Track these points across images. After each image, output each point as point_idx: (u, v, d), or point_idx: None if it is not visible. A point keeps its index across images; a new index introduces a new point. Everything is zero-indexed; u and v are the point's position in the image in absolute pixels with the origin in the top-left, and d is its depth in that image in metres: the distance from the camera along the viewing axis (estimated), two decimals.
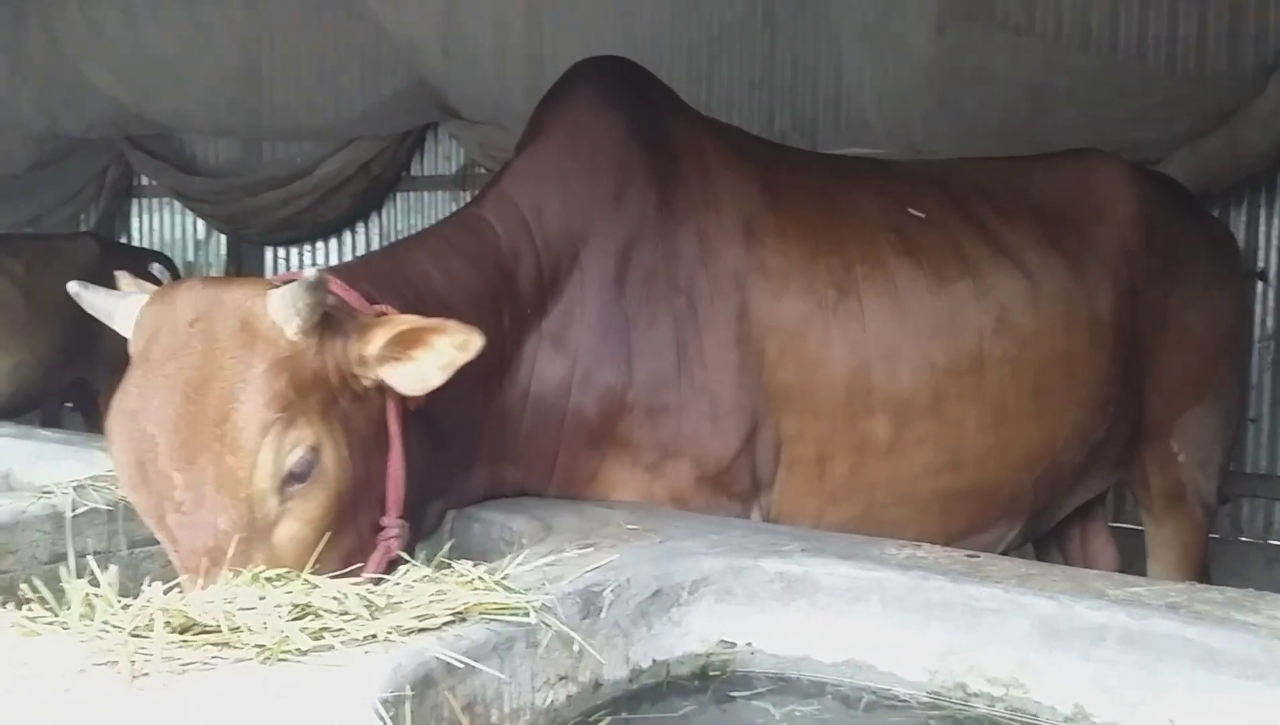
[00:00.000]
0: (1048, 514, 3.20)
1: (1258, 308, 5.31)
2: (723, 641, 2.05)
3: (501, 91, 6.27)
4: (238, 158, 7.95)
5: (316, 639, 1.51)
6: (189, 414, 1.83)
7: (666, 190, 2.69)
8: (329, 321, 1.97)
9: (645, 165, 2.70)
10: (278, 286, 1.94)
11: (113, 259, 5.79)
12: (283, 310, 1.90)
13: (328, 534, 1.92)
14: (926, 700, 1.95)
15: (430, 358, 2.00)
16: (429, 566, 1.82)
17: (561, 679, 1.81)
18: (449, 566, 1.84)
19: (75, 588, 1.59)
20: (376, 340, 1.99)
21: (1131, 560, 3.59)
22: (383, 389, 2.05)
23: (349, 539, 1.99)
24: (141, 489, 1.87)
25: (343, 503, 1.96)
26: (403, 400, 2.10)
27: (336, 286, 2.08)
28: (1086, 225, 3.13)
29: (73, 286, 2.08)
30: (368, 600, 1.62)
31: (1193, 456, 3.36)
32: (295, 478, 1.88)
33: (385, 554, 2.04)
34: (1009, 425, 2.87)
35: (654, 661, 1.98)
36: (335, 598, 1.60)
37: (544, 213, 2.61)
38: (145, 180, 8.44)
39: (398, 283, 2.23)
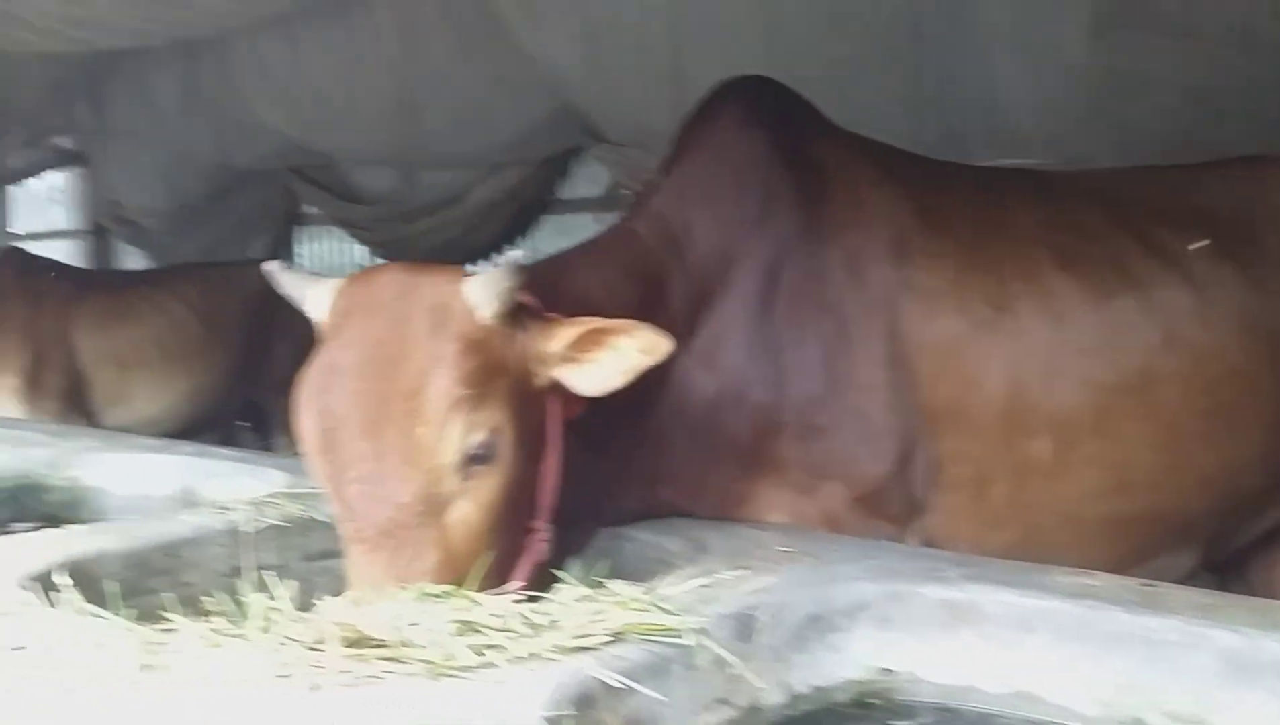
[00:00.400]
0: (1227, 541, 3.02)
1: None
2: (883, 669, 2.01)
3: (645, 113, 6.32)
4: (394, 186, 8.23)
5: (480, 655, 1.54)
6: (380, 387, 1.90)
7: (814, 209, 2.67)
8: (515, 315, 2.04)
9: (791, 184, 2.68)
10: (473, 274, 2.02)
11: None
12: (479, 294, 1.97)
13: (492, 526, 1.96)
14: None
15: (613, 359, 2.05)
16: (584, 585, 1.84)
17: (719, 702, 1.80)
18: (603, 586, 1.86)
19: (255, 601, 1.67)
20: (561, 339, 2.05)
21: None
22: (546, 393, 2.10)
23: (506, 536, 2.02)
24: (326, 458, 1.92)
25: (511, 494, 2.00)
26: (564, 407, 2.14)
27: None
28: (1262, 235, 2.96)
29: (268, 266, 2.18)
30: (528, 618, 1.65)
31: None
32: (477, 459, 1.93)
33: (534, 557, 2.08)
34: (1182, 446, 2.73)
35: (812, 688, 1.95)
36: (497, 615, 1.63)
37: (693, 231, 2.62)
38: (309, 209, 8.82)
39: (560, 292, 2.26)
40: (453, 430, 1.89)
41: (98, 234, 9.92)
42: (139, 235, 9.28)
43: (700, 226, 2.62)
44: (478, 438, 1.92)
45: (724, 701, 1.80)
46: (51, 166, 9.86)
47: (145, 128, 8.39)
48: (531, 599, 1.78)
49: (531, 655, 1.56)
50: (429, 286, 2.00)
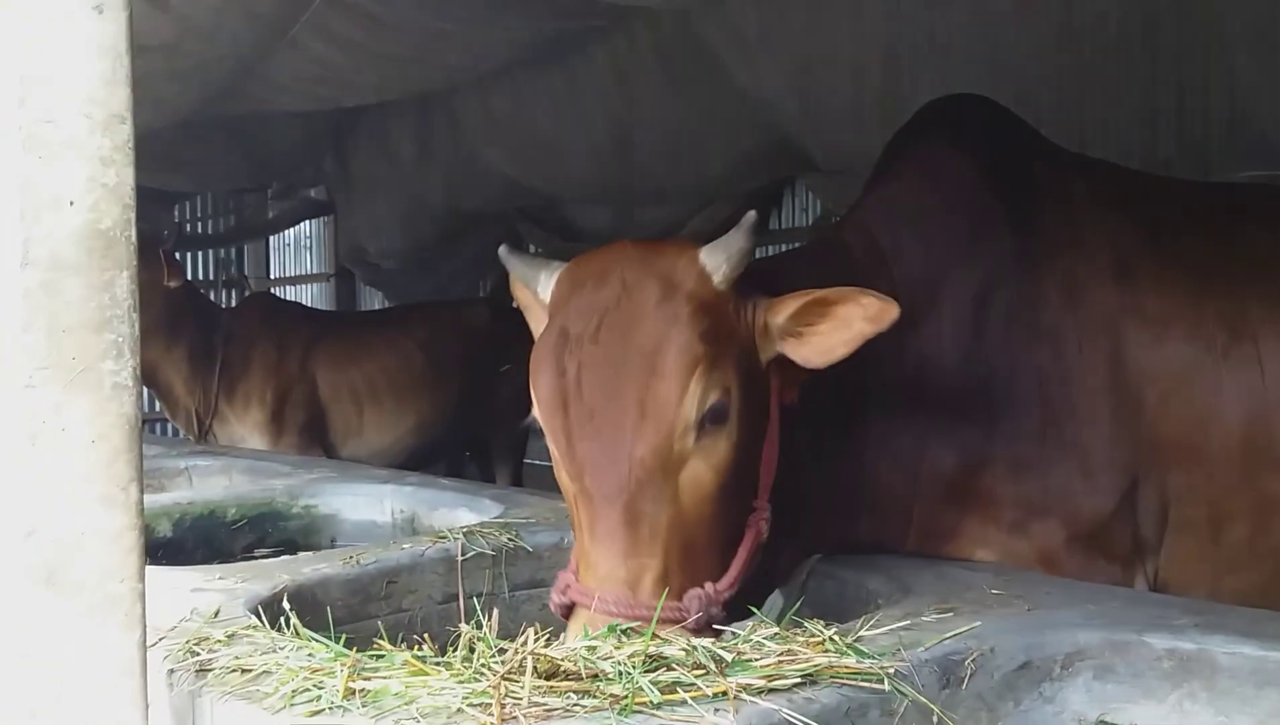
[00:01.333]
0: None
1: None
2: (1102, 722, 1.88)
3: (858, 138, 6.22)
4: (611, 222, 8.43)
5: (668, 692, 1.54)
6: (617, 347, 1.93)
7: (1027, 231, 2.55)
8: (743, 287, 2.05)
9: (1004, 206, 2.57)
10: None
11: (502, 323, 6.37)
12: (714, 258, 2.00)
13: (721, 492, 1.95)
14: None
15: (838, 329, 2.03)
16: (779, 624, 1.82)
17: None
18: (800, 625, 1.82)
19: (464, 631, 1.72)
20: (785, 310, 2.05)
21: None
22: (769, 369, 2.10)
23: (732, 509, 2.01)
24: (561, 417, 1.95)
25: (738, 464, 1.99)
26: (782, 393, 2.14)
27: None
28: None
29: (502, 250, 2.25)
30: (719, 656, 1.64)
31: None
32: (713, 419, 1.93)
33: (756, 537, 2.05)
34: None
35: None
36: (686, 650, 1.63)
37: (902, 251, 2.55)
38: (534, 247, 9.15)
39: (773, 288, 2.19)
40: (696, 386, 1.91)
41: (343, 277, 10.64)
42: (379, 277, 9.89)
43: (909, 246, 2.55)
44: (714, 396, 1.93)
45: None
46: (304, 216, 10.67)
47: (384, 177, 8.95)
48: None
49: (720, 694, 1.55)
50: (660, 255, 2.03)
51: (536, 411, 2.03)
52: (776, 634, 1.75)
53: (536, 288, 2.16)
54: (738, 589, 1.95)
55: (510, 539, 2.66)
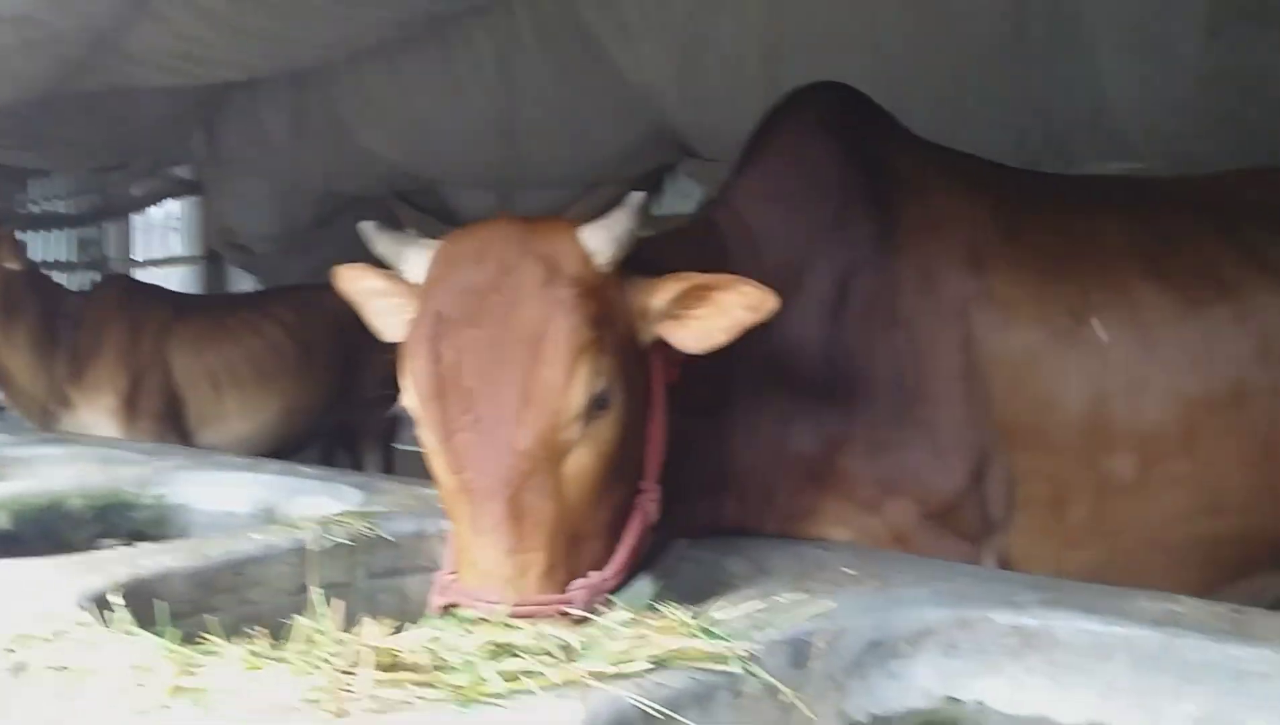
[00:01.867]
0: None
1: None
2: (949, 698, 1.91)
3: (737, 126, 6.23)
4: (493, 207, 8.33)
5: (513, 681, 1.51)
6: (497, 331, 1.86)
7: (887, 218, 2.59)
8: (624, 266, 2.02)
9: (865, 192, 2.61)
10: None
11: None
12: (597, 239, 1.96)
13: (607, 478, 1.92)
14: None
15: (717, 315, 2.02)
16: (634, 608, 1.80)
17: None
18: (655, 609, 1.81)
19: (298, 624, 1.66)
20: (666, 293, 2.02)
21: None
22: (650, 352, 2.08)
23: (618, 494, 1.98)
24: (437, 405, 1.87)
25: (622, 449, 1.96)
26: (662, 375, 2.12)
27: None
28: None
29: (366, 226, 2.16)
30: (567, 643, 1.61)
31: None
32: (598, 405, 1.89)
33: (644, 520, 2.03)
34: (1277, 463, 2.55)
35: (872, 716, 1.87)
36: (534, 639, 1.60)
37: (768, 231, 2.56)
38: (412, 231, 8.96)
39: (644, 269, 2.17)
40: (584, 371, 1.86)
41: (212, 260, 10.29)
42: (250, 261, 9.59)
43: (775, 229, 2.57)
44: (601, 382, 1.89)
45: None
46: (169, 196, 10.27)
47: (256, 157, 8.67)
48: (579, 621, 1.74)
49: (567, 682, 1.52)
50: (540, 236, 1.97)
51: (410, 400, 1.95)
52: (629, 620, 1.74)
53: (403, 267, 2.08)
54: (627, 574, 1.93)
55: (368, 527, 2.59)
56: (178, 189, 10.07)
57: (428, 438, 1.93)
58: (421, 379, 1.90)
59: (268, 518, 3.24)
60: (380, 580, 2.56)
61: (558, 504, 1.85)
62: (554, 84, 7.46)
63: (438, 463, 1.93)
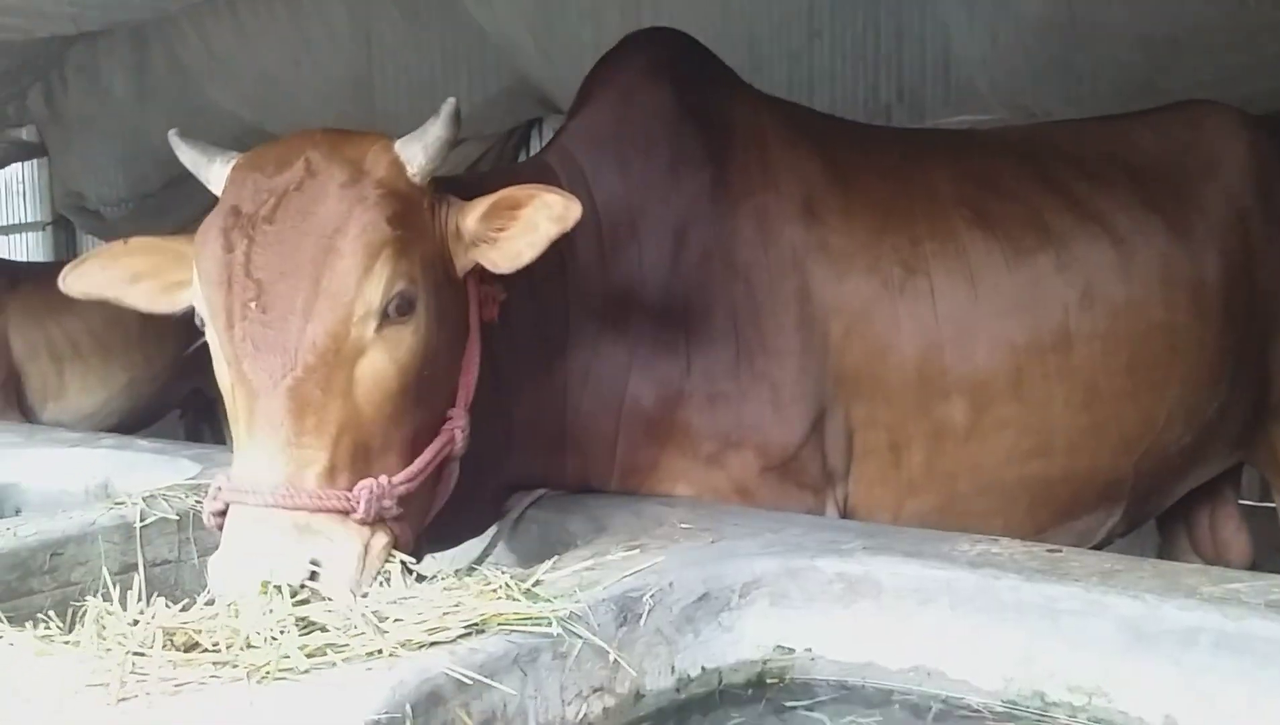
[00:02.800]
0: (1156, 498, 2.94)
1: None
2: (780, 647, 1.93)
3: None
4: None
5: (317, 656, 1.46)
6: (292, 227, 1.79)
7: (722, 169, 2.57)
8: (438, 190, 1.97)
9: (700, 141, 2.58)
10: None
11: None
12: (409, 148, 1.91)
13: (405, 390, 1.85)
14: (1001, 710, 1.79)
15: (524, 231, 1.96)
16: (454, 573, 1.76)
17: (596, 690, 1.72)
18: (477, 573, 1.78)
19: (92, 605, 1.58)
20: (475, 211, 1.97)
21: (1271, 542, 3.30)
22: (467, 281, 2.04)
23: (419, 411, 1.91)
24: (223, 293, 1.79)
25: (426, 366, 1.90)
26: (482, 310, 2.08)
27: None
28: (1192, 184, 2.86)
29: (172, 135, 2.08)
30: (378, 613, 1.56)
31: None
32: (398, 310, 1.83)
33: (448, 442, 1.96)
34: (1102, 405, 2.64)
35: (703, 669, 1.88)
36: (342, 612, 1.54)
37: (602, 175, 2.52)
38: None
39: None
40: (380, 268, 1.79)
41: (61, 225, 9.79)
42: (101, 225, 9.15)
43: (608, 172, 2.53)
44: (400, 284, 1.82)
45: (602, 689, 1.73)
46: (11, 159, 9.72)
47: (98, 115, 8.26)
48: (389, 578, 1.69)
49: (374, 654, 1.47)
50: (351, 142, 1.91)
51: (196, 292, 1.86)
52: (448, 586, 1.70)
53: (208, 177, 2.00)
54: (417, 486, 1.85)
55: (198, 501, 2.48)
56: (19, 151, 9.53)
57: (211, 331, 1.84)
58: (208, 266, 1.82)
59: (102, 494, 3.10)
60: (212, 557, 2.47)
61: (346, 405, 1.77)
62: (411, 39, 7.27)
63: (220, 359, 1.84)
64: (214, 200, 1.97)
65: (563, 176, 2.48)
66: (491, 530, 2.40)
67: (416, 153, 1.92)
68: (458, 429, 1.98)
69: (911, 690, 1.86)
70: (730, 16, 6.15)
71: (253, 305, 1.76)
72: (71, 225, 9.72)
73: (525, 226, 1.96)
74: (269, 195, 1.82)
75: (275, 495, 1.67)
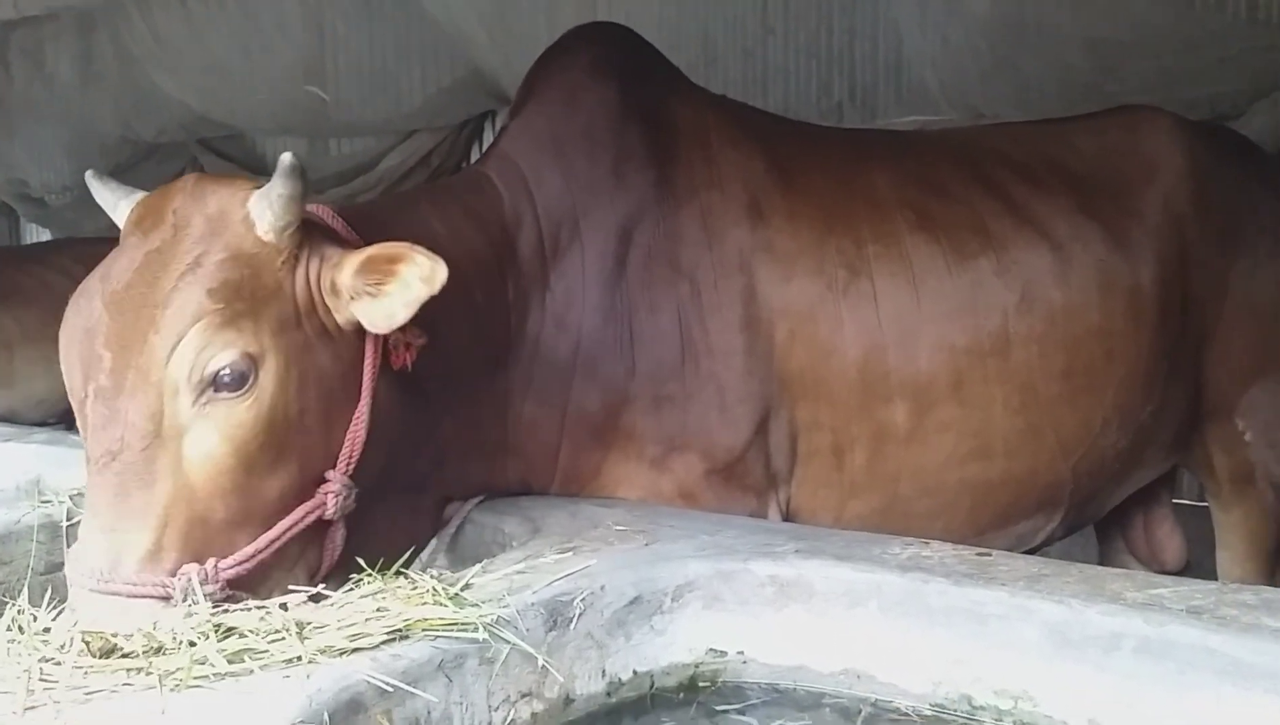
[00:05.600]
0: (1094, 503, 2.97)
1: None
2: (712, 650, 1.93)
3: None
4: (303, 155, 7.98)
5: (235, 662, 1.43)
6: (139, 294, 1.75)
7: (667, 168, 2.55)
8: (312, 241, 1.89)
9: (645, 141, 2.57)
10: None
11: None
12: (258, 205, 1.82)
13: (244, 465, 1.77)
14: (929, 713, 1.81)
15: (400, 291, 1.86)
16: (382, 579, 1.74)
17: (524, 696, 1.71)
18: (406, 577, 1.76)
19: (8, 610, 1.55)
20: (347, 268, 1.88)
21: (1207, 541, 3.34)
22: (361, 335, 1.94)
23: (281, 484, 1.83)
24: (74, 370, 1.77)
25: (277, 436, 1.81)
26: (384, 355, 1.99)
27: (326, 217, 2.00)
28: (1130, 189, 2.89)
29: (89, 176, 2.03)
30: (300, 619, 1.54)
31: (1261, 435, 3.08)
32: (222, 385, 1.75)
33: (315, 508, 1.86)
34: (1041, 408, 2.67)
35: (635, 673, 1.87)
36: (262, 617, 1.52)
37: (543, 178, 2.49)
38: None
39: (396, 231, 2.03)
40: (190, 342, 1.73)
41: (4, 213, 9.60)
42: (45, 213, 9.00)
43: (551, 174, 2.50)
44: (224, 358, 1.74)
45: (530, 695, 1.72)
46: None
47: (43, 101, 8.10)
48: (314, 598, 1.67)
49: (294, 660, 1.45)
50: (217, 195, 1.84)
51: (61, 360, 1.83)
52: (374, 591, 1.68)
53: (115, 217, 1.96)
54: (259, 564, 1.77)
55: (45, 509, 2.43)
56: None
57: (74, 404, 1.82)
58: (66, 336, 1.81)
59: (34, 490, 3.03)
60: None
61: (175, 484, 1.72)
62: (364, 28, 7.21)
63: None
64: None
65: (501, 185, 2.45)
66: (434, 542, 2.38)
67: (264, 211, 1.81)
68: (330, 494, 1.88)
69: (842, 693, 1.86)
70: (685, 11, 6.15)
71: (91, 384, 1.73)
72: (15, 212, 9.54)
73: (401, 285, 1.86)
74: (133, 256, 1.79)
75: (95, 580, 1.65)
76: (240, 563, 1.75)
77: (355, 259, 1.88)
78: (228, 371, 1.75)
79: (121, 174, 8.57)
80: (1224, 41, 4.61)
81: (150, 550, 1.69)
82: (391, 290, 1.86)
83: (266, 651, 1.46)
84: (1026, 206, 2.74)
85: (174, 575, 1.67)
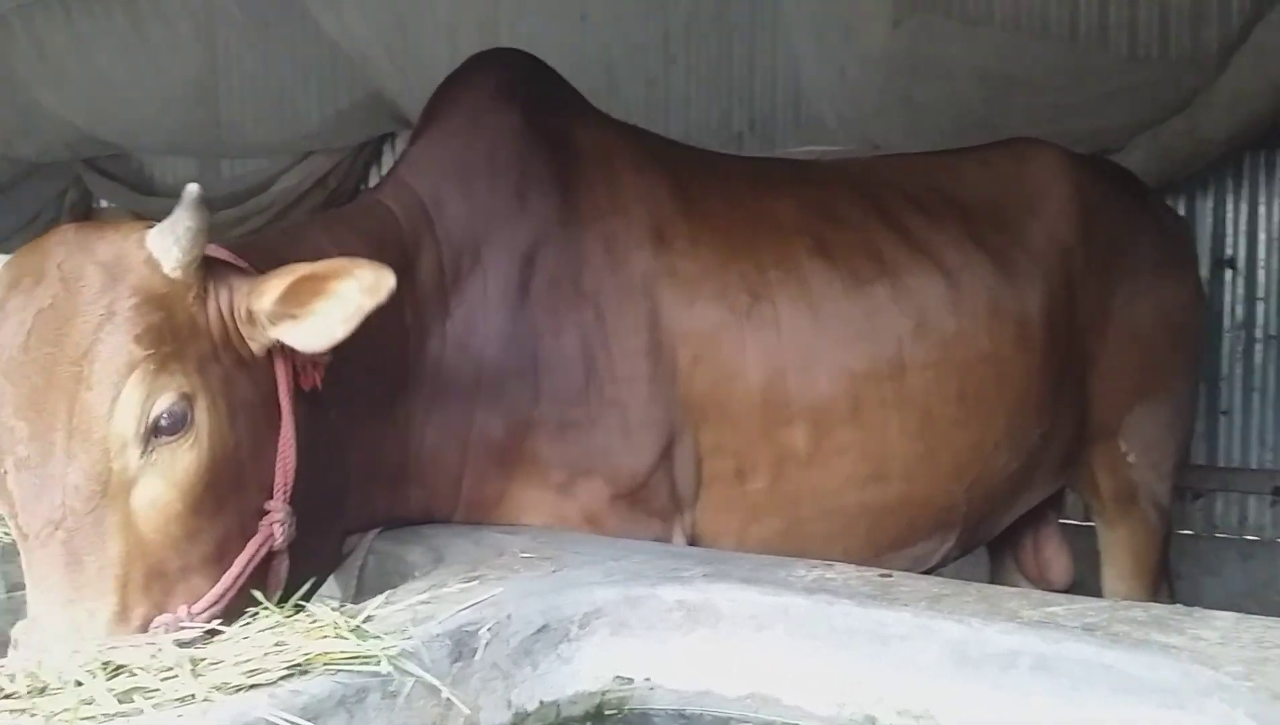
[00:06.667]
0: (987, 524, 3.06)
1: (1226, 297, 5.18)
2: (619, 677, 1.91)
3: None
4: (194, 176, 7.82)
5: (125, 701, 1.37)
6: (44, 355, 1.66)
7: (571, 193, 2.56)
8: (214, 272, 1.83)
9: (548, 165, 2.57)
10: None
11: None
12: (161, 243, 1.75)
13: (194, 508, 1.73)
14: None
15: (334, 306, 1.81)
16: (280, 612, 1.69)
17: None
18: (304, 610, 1.71)
19: None
20: (270, 292, 1.82)
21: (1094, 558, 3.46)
22: (272, 359, 1.90)
23: (226, 521, 1.80)
24: None
25: (218, 474, 1.77)
26: (295, 377, 1.95)
27: (222, 253, 1.92)
28: (1017, 219, 3.00)
29: None
30: (194, 656, 1.49)
31: (1143, 456, 3.21)
32: (163, 430, 1.70)
33: (265, 540, 1.85)
34: (935, 432, 2.74)
35: (541, 703, 1.85)
36: (153, 654, 1.46)
37: (444, 204, 2.46)
38: (104, 202, 8.32)
39: (289, 261, 1.95)
40: (131, 393, 1.67)
41: None
42: None
43: (451, 200, 2.47)
44: (163, 403, 1.69)
45: None
46: None
47: None
48: (209, 633, 1.61)
49: (188, 698, 1.40)
50: (104, 240, 1.76)
51: None
52: (272, 625, 1.63)
53: None
54: (228, 603, 1.74)
55: (4, 532, 2.32)
56: None
57: None
58: None
59: None
60: (22, 593, 2.31)
61: (128, 540, 1.67)
62: (258, 48, 7.09)
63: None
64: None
65: (398, 212, 2.41)
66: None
67: (169, 247, 1.75)
68: (276, 523, 1.86)
69: (748, 717, 1.86)
70: (588, 39, 6.19)
71: (13, 456, 1.65)
72: None
73: (336, 301, 1.81)
74: (22, 319, 1.70)
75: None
76: (211, 605, 1.71)
77: (279, 283, 1.83)
78: (167, 416, 1.70)
79: (4, 192, 8.28)
80: (1106, 77, 4.82)
81: (117, 613, 1.63)
82: (324, 308, 1.82)
83: (158, 690, 1.40)
84: (920, 235, 2.82)
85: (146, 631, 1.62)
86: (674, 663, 1.91)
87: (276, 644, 1.53)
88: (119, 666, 1.45)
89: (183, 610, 1.67)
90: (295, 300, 1.83)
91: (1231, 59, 4.53)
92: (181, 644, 1.53)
